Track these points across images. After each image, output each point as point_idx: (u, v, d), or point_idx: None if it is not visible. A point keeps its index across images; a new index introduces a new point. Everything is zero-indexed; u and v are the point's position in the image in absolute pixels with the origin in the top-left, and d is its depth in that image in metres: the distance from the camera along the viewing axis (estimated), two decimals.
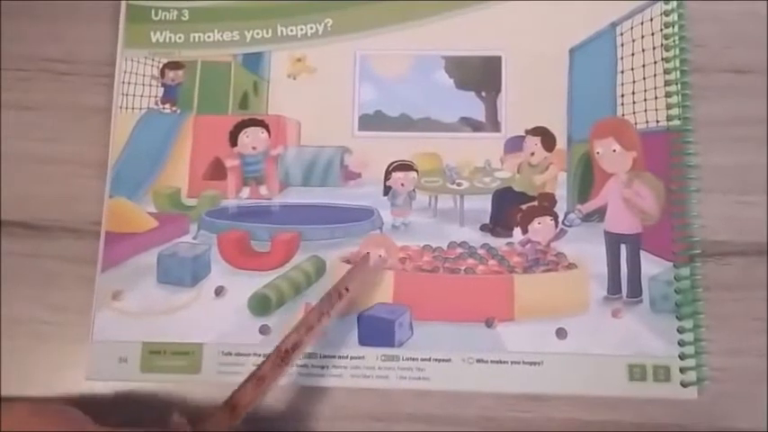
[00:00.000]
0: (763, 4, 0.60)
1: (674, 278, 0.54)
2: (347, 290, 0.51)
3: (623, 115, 0.58)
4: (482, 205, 0.58)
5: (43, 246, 0.58)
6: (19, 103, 0.60)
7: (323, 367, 0.54)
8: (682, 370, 0.52)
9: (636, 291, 0.54)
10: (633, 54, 0.58)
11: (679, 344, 0.53)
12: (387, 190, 0.59)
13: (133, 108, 0.60)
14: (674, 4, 0.58)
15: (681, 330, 0.53)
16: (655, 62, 0.58)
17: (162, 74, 0.61)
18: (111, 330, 0.55)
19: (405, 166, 0.59)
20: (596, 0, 0.59)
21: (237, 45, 0.62)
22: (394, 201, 0.59)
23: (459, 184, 0.59)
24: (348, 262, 0.56)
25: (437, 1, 0.61)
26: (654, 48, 0.58)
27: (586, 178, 0.58)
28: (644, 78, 0.58)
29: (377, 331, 0.54)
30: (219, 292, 0.56)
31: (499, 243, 0.57)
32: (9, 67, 0.61)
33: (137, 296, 0.56)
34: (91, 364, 0.55)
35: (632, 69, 0.58)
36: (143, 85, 0.61)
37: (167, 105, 0.61)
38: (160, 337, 0.55)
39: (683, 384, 0.52)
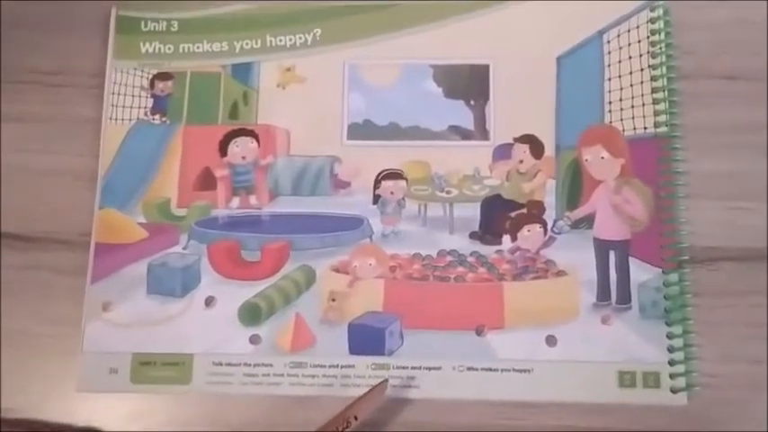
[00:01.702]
0: (752, 10, 0.60)
1: (663, 284, 0.54)
2: (356, 418, 0.48)
3: (611, 122, 0.58)
4: (471, 213, 0.58)
5: (35, 257, 0.58)
6: (9, 114, 0.61)
7: (313, 377, 0.54)
8: (671, 376, 0.52)
9: (625, 297, 0.54)
10: (620, 61, 0.59)
11: (668, 350, 0.53)
12: (376, 198, 0.59)
13: (123, 119, 0.60)
14: (661, 11, 0.59)
15: (670, 336, 0.53)
16: (642, 69, 0.58)
17: (151, 85, 0.61)
18: (102, 342, 0.55)
19: (394, 175, 0.59)
20: (583, 6, 0.60)
21: (227, 55, 0.62)
22: (383, 209, 0.59)
23: (448, 193, 0.59)
24: (338, 271, 0.57)
25: (425, 10, 0.61)
26: (641, 55, 0.58)
27: (575, 185, 0.58)
28: (631, 85, 0.58)
29: (367, 340, 0.54)
30: (210, 302, 0.56)
31: (488, 251, 0.57)
32: None
33: (127, 307, 0.56)
34: (81, 375, 0.55)
35: (620, 76, 0.59)
36: (133, 96, 0.61)
37: (157, 116, 0.61)
38: (150, 348, 0.55)
39: (673, 390, 0.52)
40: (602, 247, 0.56)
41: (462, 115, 0.60)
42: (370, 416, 0.51)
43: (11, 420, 0.54)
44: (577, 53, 0.59)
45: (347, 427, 0.48)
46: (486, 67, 0.60)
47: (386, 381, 0.51)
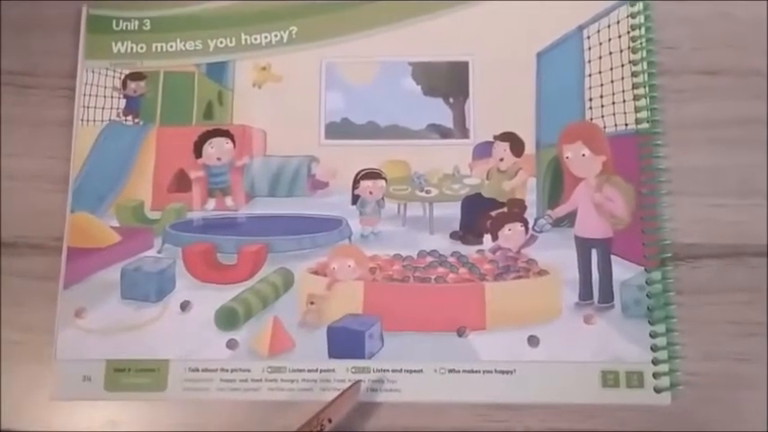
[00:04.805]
0: (732, 6, 0.60)
1: (646, 282, 0.53)
2: (330, 421, 0.48)
3: (592, 119, 0.57)
4: (452, 212, 0.58)
5: (5, 262, 0.56)
6: None
7: (292, 381, 0.53)
8: (655, 375, 0.52)
9: (607, 296, 0.54)
10: (601, 57, 0.58)
11: (652, 349, 0.52)
12: (355, 199, 0.58)
13: (95, 120, 0.59)
14: (641, 5, 0.58)
15: (653, 335, 0.52)
16: (622, 65, 0.58)
17: (124, 85, 0.60)
18: (75, 349, 0.54)
19: (373, 174, 0.58)
20: (563, 1, 0.59)
21: (201, 54, 0.61)
22: (362, 209, 0.58)
23: (428, 192, 0.59)
24: (316, 273, 0.56)
25: (403, 7, 0.60)
26: (621, 50, 0.58)
27: (556, 183, 0.57)
28: (612, 81, 0.57)
29: (347, 343, 0.53)
30: (185, 306, 0.55)
31: (469, 250, 0.57)
32: None
33: (100, 313, 0.55)
34: (55, 383, 0.53)
35: (600, 72, 0.58)
36: (105, 96, 0.60)
37: (130, 117, 0.60)
38: (125, 355, 0.54)
39: (657, 390, 0.51)
40: (583, 246, 0.55)
41: (441, 113, 0.59)
42: (348, 419, 0.50)
43: None
44: (557, 49, 0.59)
45: (321, 429, 0.47)
46: (466, 64, 0.59)
47: (359, 382, 0.51)
